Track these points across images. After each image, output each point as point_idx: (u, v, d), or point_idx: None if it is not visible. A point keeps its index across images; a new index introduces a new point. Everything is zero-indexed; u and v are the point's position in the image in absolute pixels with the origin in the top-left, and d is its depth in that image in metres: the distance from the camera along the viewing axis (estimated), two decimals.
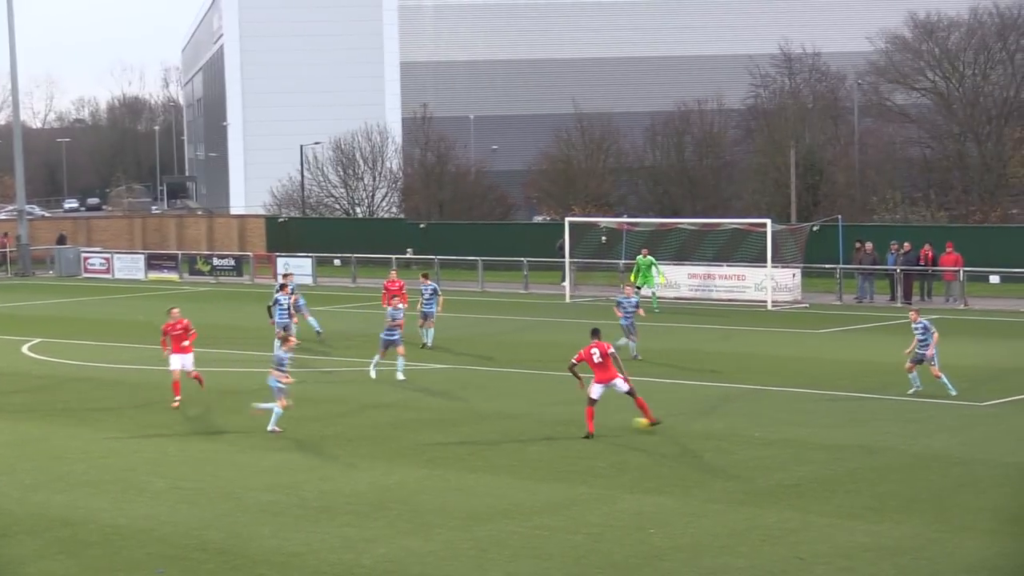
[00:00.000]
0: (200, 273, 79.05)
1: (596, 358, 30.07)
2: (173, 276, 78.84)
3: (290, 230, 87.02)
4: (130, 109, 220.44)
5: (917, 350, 34.59)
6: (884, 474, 26.29)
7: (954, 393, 34.06)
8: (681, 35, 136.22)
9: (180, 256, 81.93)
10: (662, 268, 58.51)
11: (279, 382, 31.24)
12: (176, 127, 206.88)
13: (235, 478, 26.88)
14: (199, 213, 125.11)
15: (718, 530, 22.61)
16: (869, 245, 61.41)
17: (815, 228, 67.27)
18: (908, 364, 34.81)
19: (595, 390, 30.07)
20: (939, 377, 34.42)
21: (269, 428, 31.07)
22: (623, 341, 41.03)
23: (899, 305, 58.26)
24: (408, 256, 75.79)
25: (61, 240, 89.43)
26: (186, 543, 22.24)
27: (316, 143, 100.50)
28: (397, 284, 47.65)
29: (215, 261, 79.61)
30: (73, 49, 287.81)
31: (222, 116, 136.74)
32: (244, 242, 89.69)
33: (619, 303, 42.42)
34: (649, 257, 57.60)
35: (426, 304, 45.71)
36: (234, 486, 26.16)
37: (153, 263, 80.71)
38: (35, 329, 53.19)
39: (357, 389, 37.88)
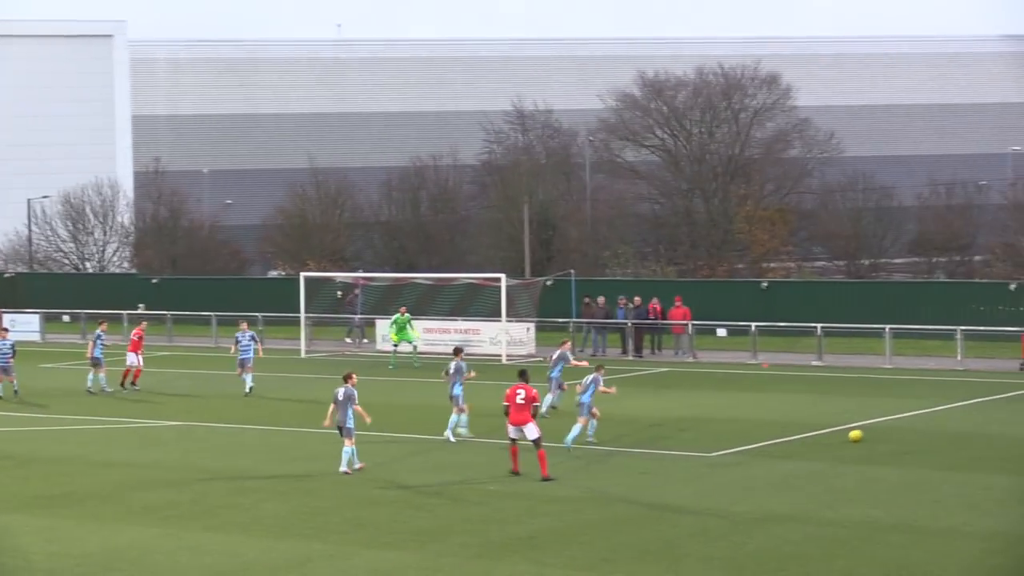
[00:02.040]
0: None
1: (519, 399, 31.27)
2: None
3: (17, 286, 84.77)
4: None
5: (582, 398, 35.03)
6: (618, 525, 26.62)
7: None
8: (416, 91, 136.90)
9: None
10: (414, 324, 58.88)
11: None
12: None
13: None
14: None
15: None
16: (601, 299, 62.44)
17: (549, 283, 68.06)
18: (583, 419, 35.01)
19: (510, 430, 31.47)
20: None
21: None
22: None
23: (630, 358, 59.69)
24: (140, 312, 74.44)
25: None
26: None
27: (45, 197, 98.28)
28: (139, 333, 51.10)
29: None
30: None
31: None
32: None
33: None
34: (407, 315, 57.98)
35: (244, 351, 47.78)
36: None
37: None
38: None
39: (83, 448, 37.04)
